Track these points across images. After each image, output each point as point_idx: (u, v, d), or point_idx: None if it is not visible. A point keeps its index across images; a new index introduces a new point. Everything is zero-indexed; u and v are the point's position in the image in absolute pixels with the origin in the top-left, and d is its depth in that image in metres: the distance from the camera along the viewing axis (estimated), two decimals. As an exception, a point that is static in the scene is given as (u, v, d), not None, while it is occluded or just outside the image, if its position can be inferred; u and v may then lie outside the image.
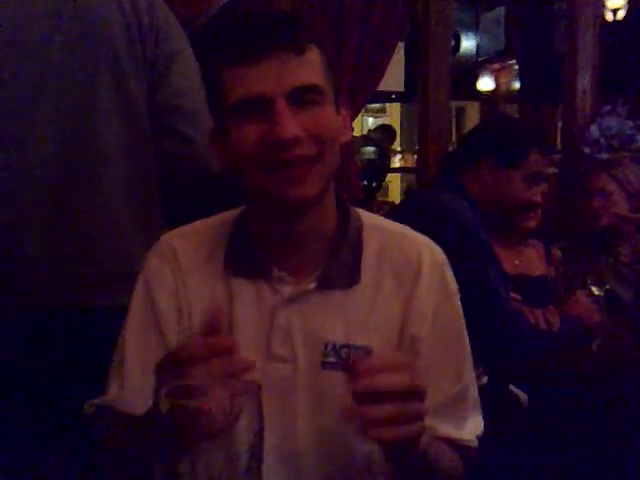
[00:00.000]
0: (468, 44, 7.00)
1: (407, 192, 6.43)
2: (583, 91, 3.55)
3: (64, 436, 1.23)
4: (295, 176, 0.86)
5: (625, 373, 1.76)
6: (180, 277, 0.95)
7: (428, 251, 0.98)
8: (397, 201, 6.56)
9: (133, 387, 0.91)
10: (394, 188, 7.49)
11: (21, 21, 1.20)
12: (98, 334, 1.23)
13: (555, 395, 1.74)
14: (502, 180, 1.80)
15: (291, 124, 0.85)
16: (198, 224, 1.01)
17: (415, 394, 0.73)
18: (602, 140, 3.45)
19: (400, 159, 6.29)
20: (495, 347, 1.58)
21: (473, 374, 0.99)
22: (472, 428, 0.96)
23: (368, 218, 1.00)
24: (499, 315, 1.62)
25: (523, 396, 1.81)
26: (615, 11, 5.30)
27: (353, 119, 3.10)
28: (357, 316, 0.93)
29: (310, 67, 0.88)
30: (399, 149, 6.41)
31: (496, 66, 6.96)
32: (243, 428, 0.58)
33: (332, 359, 0.91)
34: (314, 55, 0.88)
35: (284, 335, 0.91)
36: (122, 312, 1.27)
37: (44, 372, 1.22)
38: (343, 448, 0.90)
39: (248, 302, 0.93)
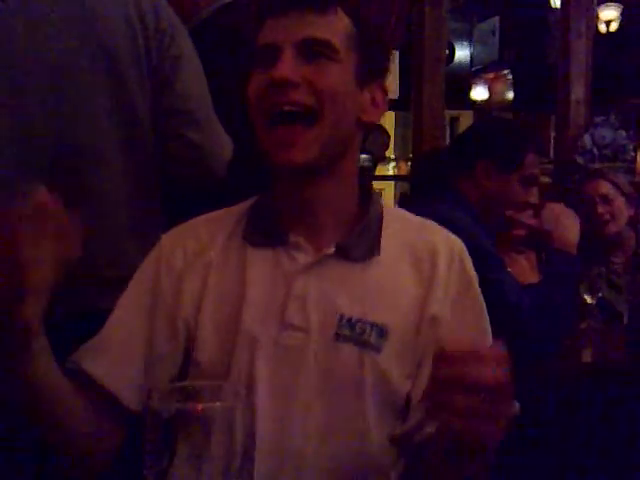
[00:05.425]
0: (462, 54, 7.04)
1: (402, 200, 6.44)
2: (576, 101, 3.57)
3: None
4: (283, 138, 0.86)
5: (618, 381, 1.77)
6: (196, 255, 0.94)
7: (445, 240, 0.97)
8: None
9: (101, 348, 0.90)
10: (388, 195, 7.49)
11: (29, 21, 1.19)
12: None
13: (548, 402, 1.74)
14: (500, 184, 1.79)
15: (288, 67, 0.85)
16: (222, 210, 1.01)
17: (502, 393, 0.68)
18: (595, 150, 3.47)
19: (394, 167, 6.30)
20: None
21: None
22: None
23: (388, 206, 1.01)
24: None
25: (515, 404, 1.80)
26: (608, 23, 5.35)
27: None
28: (375, 292, 0.91)
29: (328, 26, 0.88)
30: (393, 157, 6.42)
31: (490, 76, 7.01)
32: (236, 430, 0.58)
33: (346, 332, 0.88)
34: (338, 19, 0.89)
35: (300, 303, 0.89)
36: None
37: None
38: (350, 420, 0.87)
39: (263, 269, 0.91)
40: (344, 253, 0.91)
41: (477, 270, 0.98)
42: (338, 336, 0.88)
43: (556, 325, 1.63)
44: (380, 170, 5.99)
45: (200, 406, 0.57)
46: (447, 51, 4.79)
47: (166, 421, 0.57)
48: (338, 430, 0.87)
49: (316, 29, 0.87)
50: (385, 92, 0.96)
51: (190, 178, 1.38)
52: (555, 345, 1.67)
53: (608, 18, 5.29)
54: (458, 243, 0.98)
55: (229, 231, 0.96)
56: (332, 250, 0.91)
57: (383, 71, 0.97)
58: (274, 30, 0.88)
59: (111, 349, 0.90)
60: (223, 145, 1.36)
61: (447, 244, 0.96)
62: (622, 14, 5.32)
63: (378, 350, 0.88)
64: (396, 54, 3.60)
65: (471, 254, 0.99)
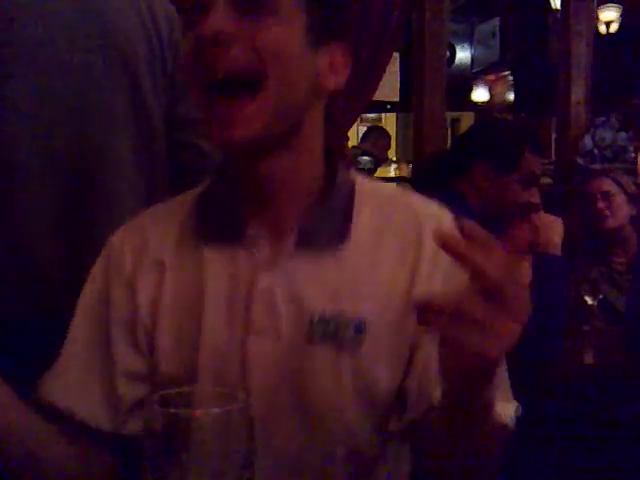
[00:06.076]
0: (463, 55, 7.05)
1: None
2: (577, 102, 3.57)
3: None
4: (221, 114, 0.73)
5: (619, 382, 1.76)
6: (144, 254, 0.85)
7: (431, 216, 0.84)
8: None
9: (60, 374, 0.84)
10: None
11: (45, 30, 1.20)
12: None
13: (549, 406, 1.74)
14: (498, 185, 1.79)
15: (219, 18, 0.71)
16: (170, 201, 0.92)
17: (500, 296, 0.57)
18: (595, 151, 3.47)
19: (395, 168, 6.31)
20: None
21: None
22: (506, 407, 0.79)
23: (362, 180, 0.87)
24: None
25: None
26: (608, 24, 5.34)
27: (349, 128, 3.11)
28: (349, 283, 0.79)
29: None
30: (394, 158, 6.43)
31: (491, 77, 7.01)
32: (235, 441, 0.58)
33: (319, 332, 0.78)
34: None
35: (266, 304, 0.79)
36: None
37: None
38: (325, 426, 0.79)
39: (222, 270, 0.81)
40: (308, 240, 0.80)
41: None
42: (311, 338, 0.78)
43: (548, 324, 1.63)
44: (382, 172, 6.00)
45: (197, 412, 0.57)
46: (448, 53, 4.79)
47: (164, 427, 0.57)
48: (318, 431, 0.79)
49: None
50: (349, 56, 0.81)
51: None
52: (550, 343, 1.67)
53: (608, 19, 5.28)
54: (446, 219, 0.84)
55: (180, 228, 0.86)
56: (295, 238, 0.80)
57: (345, 31, 0.83)
58: None
59: (70, 372, 0.84)
60: None
61: (431, 219, 0.83)
62: (622, 15, 5.32)
63: (356, 348, 0.78)
64: (397, 56, 3.61)
65: None
